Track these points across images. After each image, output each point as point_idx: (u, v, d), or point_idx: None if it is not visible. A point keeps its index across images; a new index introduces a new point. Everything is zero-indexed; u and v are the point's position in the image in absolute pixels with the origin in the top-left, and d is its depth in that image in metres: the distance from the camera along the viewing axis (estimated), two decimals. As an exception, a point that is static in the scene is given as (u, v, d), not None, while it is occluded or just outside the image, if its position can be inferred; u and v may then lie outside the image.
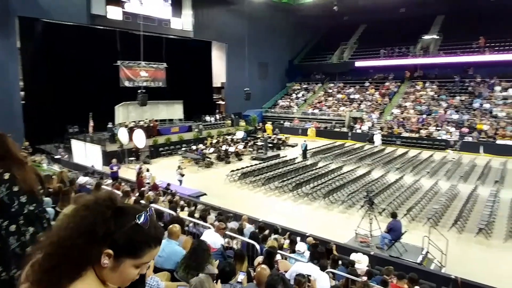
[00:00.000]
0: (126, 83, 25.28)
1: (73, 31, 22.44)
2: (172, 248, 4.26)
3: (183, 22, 28.76)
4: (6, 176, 2.07)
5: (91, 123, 21.93)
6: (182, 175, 16.20)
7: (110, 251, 1.06)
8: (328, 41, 40.98)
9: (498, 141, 23.21)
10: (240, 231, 7.87)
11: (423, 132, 26.30)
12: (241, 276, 3.88)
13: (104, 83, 23.61)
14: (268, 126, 31.18)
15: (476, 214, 12.55)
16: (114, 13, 24.02)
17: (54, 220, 3.18)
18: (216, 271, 3.86)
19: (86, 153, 19.67)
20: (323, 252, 6.29)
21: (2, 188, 2.04)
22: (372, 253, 8.76)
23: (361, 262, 6.43)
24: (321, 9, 37.10)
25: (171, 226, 4.69)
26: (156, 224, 1.17)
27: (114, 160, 15.43)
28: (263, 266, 3.64)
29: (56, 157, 19.71)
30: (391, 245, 9.49)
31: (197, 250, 3.96)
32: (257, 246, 6.37)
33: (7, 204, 2.04)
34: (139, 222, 1.10)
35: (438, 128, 26.26)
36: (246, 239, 6.80)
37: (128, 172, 17.41)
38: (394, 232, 9.52)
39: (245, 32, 30.04)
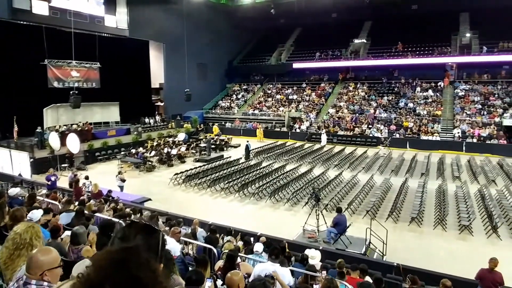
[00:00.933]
0: (55, 84, 23.33)
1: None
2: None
3: (118, 20, 27.34)
4: None
5: (16, 128, 20.03)
6: (123, 181, 15.43)
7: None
8: (266, 43, 41.87)
9: (422, 137, 25.61)
10: (193, 235, 7.74)
11: (357, 130, 28.05)
12: (208, 283, 3.79)
13: (30, 84, 21.64)
14: (215, 127, 30.90)
15: (408, 204, 13.71)
16: (39, 7, 21.92)
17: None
18: (182, 281, 3.75)
19: (11, 161, 17.85)
20: (280, 250, 6.44)
21: None
22: (320, 247, 9.13)
23: (315, 257, 6.69)
24: (259, 12, 37.88)
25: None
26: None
27: (51, 170, 14.14)
28: (234, 271, 3.62)
29: (-26, 166, 17.64)
30: (337, 239, 9.99)
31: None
32: (214, 250, 6.33)
33: None
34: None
35: (369, 126, 28.17)
36: (202, 244, 6.71)
37: (62, 180, 16.15)
38: (340, 226, 10.04)
39: (184, 32, 29.46)
